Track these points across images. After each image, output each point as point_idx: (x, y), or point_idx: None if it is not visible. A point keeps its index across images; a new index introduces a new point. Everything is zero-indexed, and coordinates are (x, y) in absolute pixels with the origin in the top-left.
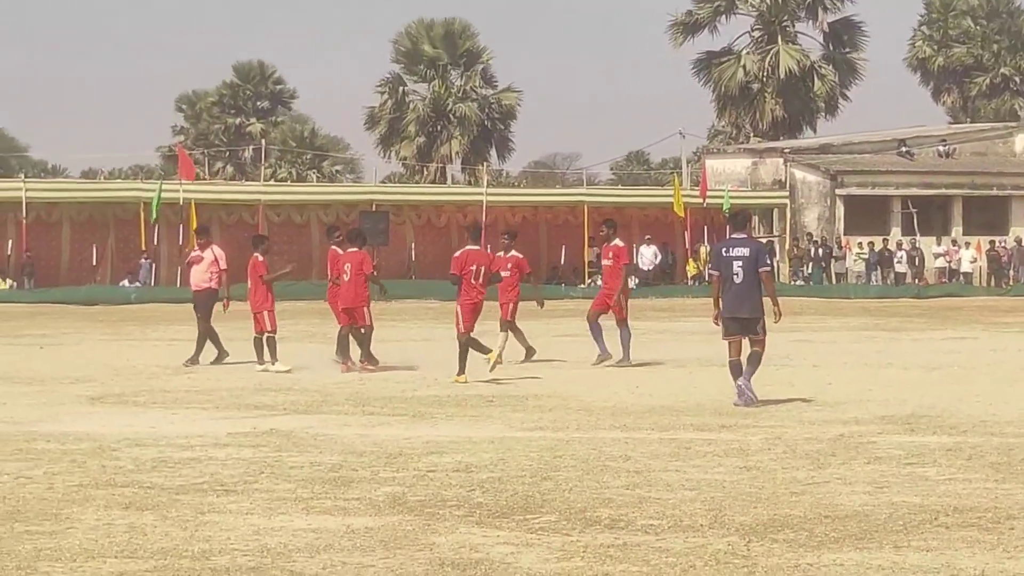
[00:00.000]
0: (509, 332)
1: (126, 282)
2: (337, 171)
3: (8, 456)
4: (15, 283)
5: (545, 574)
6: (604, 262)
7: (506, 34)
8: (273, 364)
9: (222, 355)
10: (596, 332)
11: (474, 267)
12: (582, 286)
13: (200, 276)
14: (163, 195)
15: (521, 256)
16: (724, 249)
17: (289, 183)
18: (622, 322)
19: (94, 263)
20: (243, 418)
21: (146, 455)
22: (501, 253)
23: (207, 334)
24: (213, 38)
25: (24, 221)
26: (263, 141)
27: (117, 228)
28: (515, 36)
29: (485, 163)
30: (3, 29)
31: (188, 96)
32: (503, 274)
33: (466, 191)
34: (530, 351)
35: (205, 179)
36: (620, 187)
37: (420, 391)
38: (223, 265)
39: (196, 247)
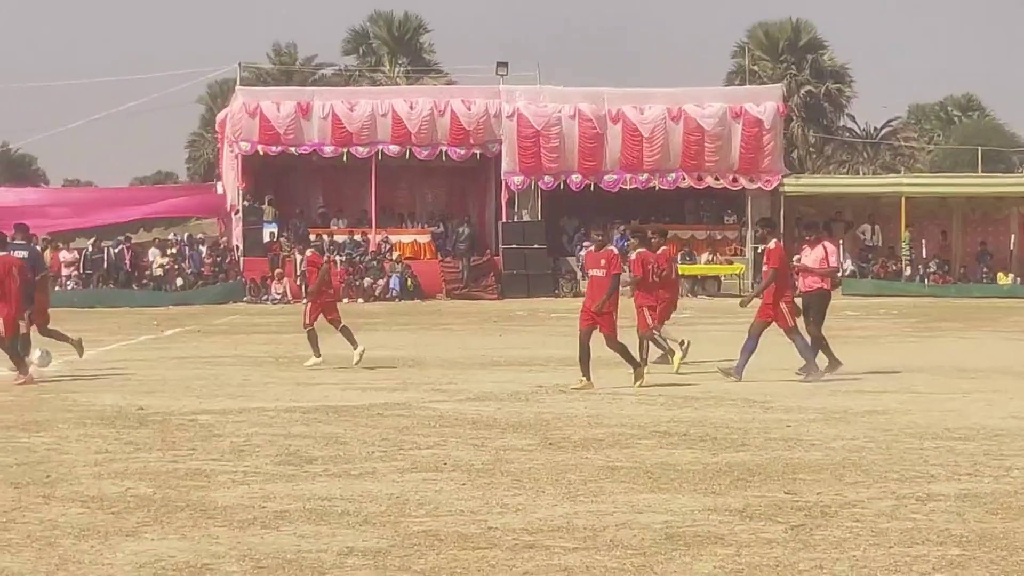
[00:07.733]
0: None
1: None
2: None
3: None
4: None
5: None
6: (764, 268)
7: None
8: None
9: (834, 365)
10: (747, 347)
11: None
12: None
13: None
14: None
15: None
16: None
17: None
18: (791, 331)
19: None
20: None
21: None
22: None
23: (817, 342)
24: None
25: None
26: None
27: None
28: None
29: None
30: None
31: None
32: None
33: None
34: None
35: None
36: None
37: None
38: (833, 262)
39: (805, 244)
